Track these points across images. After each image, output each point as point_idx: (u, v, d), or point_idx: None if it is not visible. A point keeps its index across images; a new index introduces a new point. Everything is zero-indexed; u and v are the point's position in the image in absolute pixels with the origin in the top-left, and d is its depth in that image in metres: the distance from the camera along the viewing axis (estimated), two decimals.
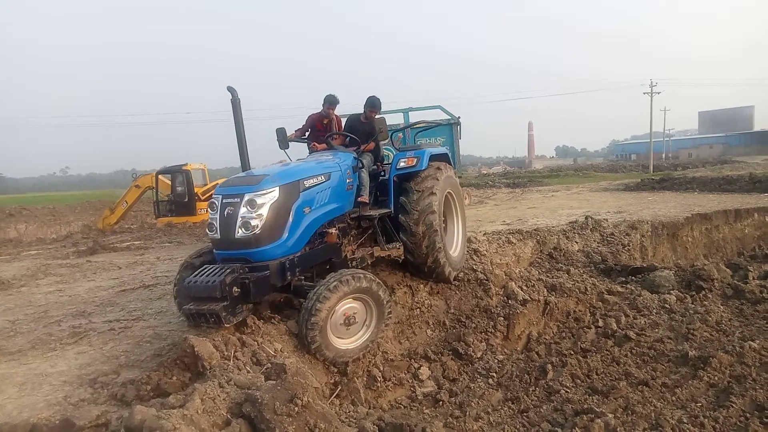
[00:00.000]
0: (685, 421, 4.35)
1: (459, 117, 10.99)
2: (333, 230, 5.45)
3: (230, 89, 5.50)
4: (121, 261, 9.85)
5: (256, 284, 4.53)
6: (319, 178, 5.28)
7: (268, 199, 4.66)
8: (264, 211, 4.61)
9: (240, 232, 4.56)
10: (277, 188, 4.74)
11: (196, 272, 4.53)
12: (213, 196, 4.88)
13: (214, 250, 4.89)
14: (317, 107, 6.95)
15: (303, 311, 4.58)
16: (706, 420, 4.34)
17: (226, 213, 4.62)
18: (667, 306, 7.10)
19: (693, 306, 7.03)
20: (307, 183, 5.09)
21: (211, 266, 4.57)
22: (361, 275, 4.84)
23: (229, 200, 4.65)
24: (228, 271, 4.38)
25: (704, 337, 6.08)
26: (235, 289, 4.38)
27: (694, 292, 7.62)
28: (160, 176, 18.80)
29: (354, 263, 5.60)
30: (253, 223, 4.55)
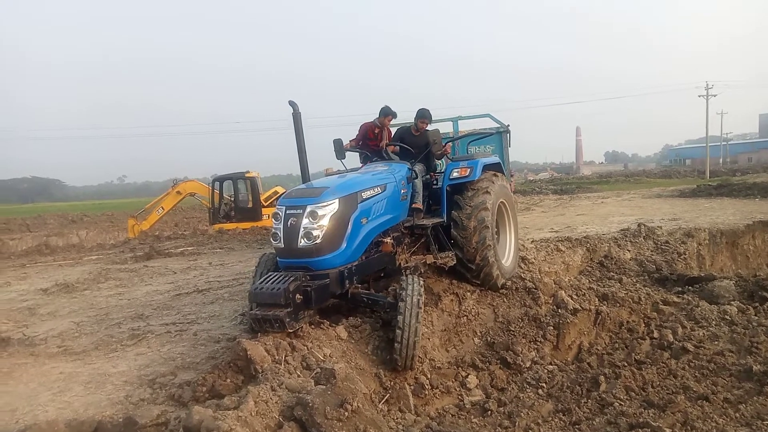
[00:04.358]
0: None
1: (508, 125, 10.88)
2: (388, 239, 5.57)
3: (291, 103, 5.72)
4: (176, 266, 10.22)
5: (317, 292, 4.68)
6: (376, 189, 5.43)
7: (329, 210, 4.81)
8: (325, 222, 4.77)
9: (302, 242, 4.74)
10: (337, 200, 4.90)
11: (262, 279, 4.73)
12: (277, 206, 5.10)
13: (277, 258, 5.09)
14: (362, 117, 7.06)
15: (409, 310, 4.73)
16: None
17: (289, 223, 4.80)
18: (727, 318, 6.76)
19: (756, 318, 6.67)
20: (365, 195, 5.25)
21: (275, 273, 4.75)
22: (421, 281, 5.19)
23: (292, 211, 4.83)
24: (291, 279, 4.54)
25: None
26: (297, 296, 4.53)
27: (757, 304, 7.23)
28: (197, 183, 19.30)
29: (408, 271, 5.67)
30: (315, 233, 4.72)
